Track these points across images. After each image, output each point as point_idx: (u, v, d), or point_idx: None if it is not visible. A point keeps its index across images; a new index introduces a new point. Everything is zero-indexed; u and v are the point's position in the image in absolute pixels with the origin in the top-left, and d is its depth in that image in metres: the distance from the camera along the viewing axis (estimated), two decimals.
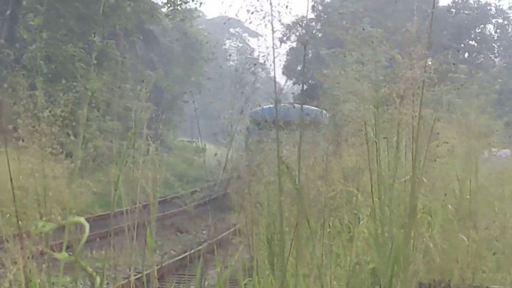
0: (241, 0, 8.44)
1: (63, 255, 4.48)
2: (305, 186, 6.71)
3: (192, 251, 14.90)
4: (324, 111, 25.27)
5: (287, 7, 7.97)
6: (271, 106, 29.01)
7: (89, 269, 4.38)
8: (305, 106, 30.10)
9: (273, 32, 7.94)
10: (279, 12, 7.84)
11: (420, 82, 6.31)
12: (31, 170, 6.01)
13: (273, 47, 8.54)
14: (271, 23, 7.86)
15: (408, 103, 6.22)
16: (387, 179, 6.12)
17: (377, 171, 6.24)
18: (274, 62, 8.48)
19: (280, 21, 8.03)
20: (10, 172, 5.03)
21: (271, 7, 7.67)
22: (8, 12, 46.04)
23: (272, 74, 30.47)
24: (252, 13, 8.06)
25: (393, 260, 5.91)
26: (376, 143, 6.38)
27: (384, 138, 6.32)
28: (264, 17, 7.99)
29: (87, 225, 4.28)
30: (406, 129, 6.17)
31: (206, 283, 8.40)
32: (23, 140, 6.12)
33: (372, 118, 6.62)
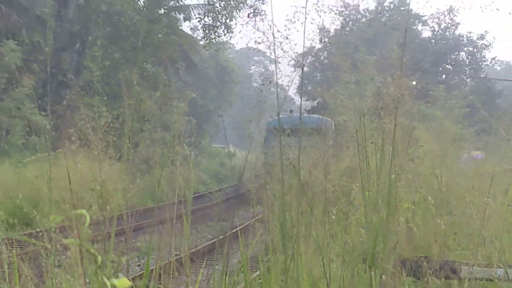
0: (258, 34, 8.39)
1: (70, 240, 4.48)
2: (309, 181, 6.70)
3: (221, 236, 14.92)
4: (329, 119, 25.15)
5: (287, 38, 7.98)
6: (283, 116, 29.10)
7: (92, 250, 4.35)
8: (312, 115, 28.31)
9: (276, 58, 8.02)
10: (280, 42, 7.85)
11: (399, 97, 6.28)
12: (90, 170, 6.00)
13: (275, 69, 8.66)
14: (274, 50, 7.89)
15: (391, 114, 6.19)
16: (374, 175, 6.11)
17: (366, 169, 6.23)
18: (276, 81, 8.56)
19: (282, 49, 8.04)
20: (68, 173, 5.02)
21: (274, 39, 7.69)
22: (77, 46, 46.23)
23: (288, 93, 30.54)
24: (259, 43, 8.11)
25: (375, 239, 5.87)
26: (365, 147, 6.37)
27: (372, 142, 6.32)
28: (269, 46, 8.01)
29: (87, 216, 4.27)
30: (389, 135, 6.16)
31: (232, 261, 8.42)
32: (87, 147, 6.14)
33: (362, 126, 6.61)
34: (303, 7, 8.18)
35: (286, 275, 5.68)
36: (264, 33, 8.23)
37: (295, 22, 8.22)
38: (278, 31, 8.06)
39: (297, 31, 8.14)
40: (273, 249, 7.13)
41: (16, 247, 5.95)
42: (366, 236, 5.97)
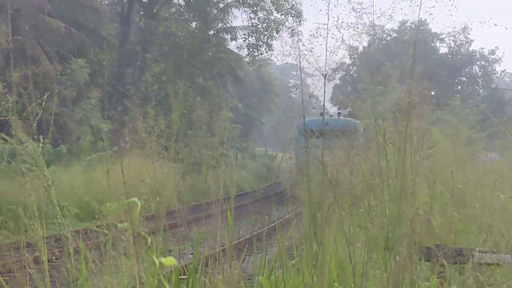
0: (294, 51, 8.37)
1: (123, 224, 4.52)
2: (336, 178, 6.68)
3: (259, 230, 14.94)
4: (358, 122, 24.34)
5: (311, 51, 7.94)
6: (314, 118, 27.88)
7: (142, 233, 4.39)
8: (342, 118, 27.15)
9: (301, 69, 7.97)
10: (305, 54, 7.80)
11: (414, 104, 6.23)
12: (145, 168, 6.04)
13: (301, 80, 8.62)
14: (299, 62, 7.86)
15: (405, 118, 6.15)
16: (393, 172, 6.07)
17: (386, 166, 6.20)
18: (302, 89, 8.54)
19: (308, 61, 8.00)
20: (122, 167, 5.05)
21: (299, 51, 7.65)
22: (138, 63, 46.49)
23: (321, 103, 30.30)
24: (286, 56, 8.09)
25: (389, 226, 5.86)
26: (385, 147, 6.33)
27: (390, 143, 6.27)
28: (296, 59, 7.98)
29: (138, 203, 4.32)
30: (405, 137, 6.11)
31: (273, 249, 8.42)
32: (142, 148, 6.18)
33: (381, 129, 6.58)
34: (324, 23, 8.13)
35: (316, 259, 5.67)
36: (296, 49, 8.21)
37: (324, 39, 8.14)
38: (311, 50, 8.01)
39: (329, 49, 8.05)
40: (305, 239, 7.12)
41: (82, 237, 5.98)
42: (385, 224, 5.95)
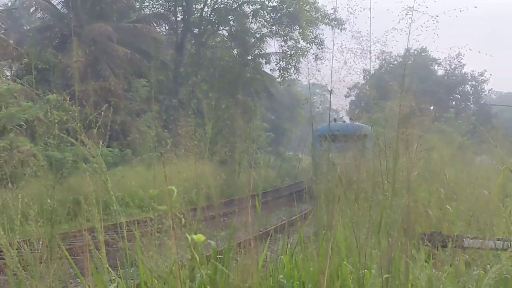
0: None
1: (162, 207, 4.52)
2: (344, 174, 6.62)
3: (282, 222, 14.91)
4: (368, 127, 23.72)
5: (318, 71, 7.92)
6: (327, 124, 27.28)
7: (178, 214, 4.38)
8: (355, 123, 26.78)
9: (310, 84, 7.97)
10: (323, 73, 7.77)
11: (409, 114, 6.14)
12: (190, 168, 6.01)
13: (309, 93, 8.53)
14: (308, 79, 7.85)
15: (400, 126, 6.07)
16: (392, 171, 6.00)
17: (386, 166, 6.11)
18: (310, 102, 8.47)
19: (321, 79, 7.96)
20: (165, 174, 5.02)
21: (308, 70, 7.62)
22: (189, 82, 46.69)
23: (341, 116, 30.44)
24: (308, 76, 8.07)
25: (381, 213, 5.79)
26: (385, 150, 6.24)
27: (389, 147, 6.17)
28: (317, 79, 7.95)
29: (175, 190, 4.32)
30: (403, 142, 6.04)
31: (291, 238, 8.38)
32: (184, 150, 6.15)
33: (382, 135, 6.51)
34: (329, 48, 8.07)
35: (328, 242, 5.60)
36: (316, 70, 8.18)
37: (329, 61, 8.07)
38: (318, 70, 7.95)
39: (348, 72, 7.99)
40: (320, 226, 7.06)
41: (135, 223, 5.98)
42: (380, 212, 5.89)
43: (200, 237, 4.93)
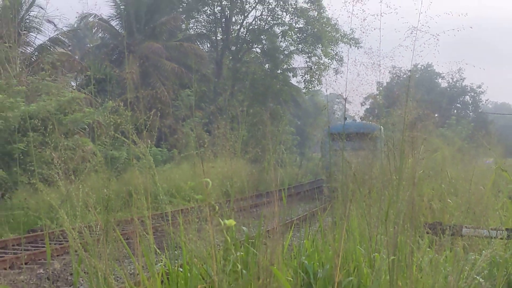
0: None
1: (199, 196, 4.53)
2: (358, 172, 6.59)
3: (305, 213, 14.85)
4: (379, 126, 22.38)
5: (335, 82, 7.88)
6: (338, 123, 25.80)
7: (212, 202, 4.40)
8: (363, 122, 24.86)
9: (327, 93, 7.89)
10: (339, 83, 7.73)
11: (415, 119, 6.09)
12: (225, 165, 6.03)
13: (326, 102, 8.43)
14: (326, 89, 7.76)
15: (406, 129, 6.03)
16: (399, 169, 5.95)
17: (395, 165, 6.06)
18: (327, 107, 8.42)
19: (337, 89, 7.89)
20: (203, 169, 5.05)
21: (326, 81, 7.59)
22: (228, 93, 46.79)
23: (352, 114, 30.24)
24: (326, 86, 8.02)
25: (388, 204, 5.74)
26: (393, 150, 6.19)
27: (396, 148, 6.13)
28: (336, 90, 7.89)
29: (210, 182, 4.34)
30: (409, 143, 5.99)
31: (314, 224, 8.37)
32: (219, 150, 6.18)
33: (391, 138, 6.46)
34: (345, 62, 8.02)
35: (342, 229, 5.59)
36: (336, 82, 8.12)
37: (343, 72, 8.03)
38: (335, 81, 7.90)
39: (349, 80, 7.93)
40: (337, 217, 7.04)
41: (180, 215, 6.00)
42: (388, 204, 5.85)
43: (231, 222, 4.95)
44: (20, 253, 13.89)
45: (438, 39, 7.84)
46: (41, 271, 13.20)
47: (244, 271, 5.49)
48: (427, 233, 7.42)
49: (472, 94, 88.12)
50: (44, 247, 15.20)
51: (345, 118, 23.18)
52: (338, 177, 6.93)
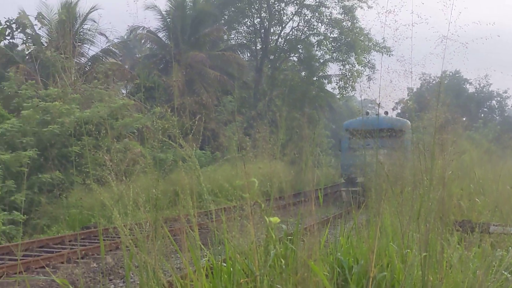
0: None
1: (245, 194, 4.53)
2: (391, 173, 6.53)
3: (340, 211, 14.75)
4: (406, 121, 20.17)
5: (368, 87, 7.79)
6: (358, 118, 23.22)
7: (258, 200, 4.40)
8: (388, 116, 21.97)
9: (361, 98, 7.84)
10: (373, 90, 7.68)
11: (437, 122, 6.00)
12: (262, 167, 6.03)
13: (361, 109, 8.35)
14: (360, 96, 7.69)
15: (437, 132, 5.95)
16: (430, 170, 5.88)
17: (425, 166, 5.99)
18: (362, 112, 8.32)
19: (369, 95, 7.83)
20: (245, 169, 5.06)
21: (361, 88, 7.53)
22: (266, 98, 46.79)
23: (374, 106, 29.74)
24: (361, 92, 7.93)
25: (420, 203, 5.67)
26: (424, 152, 6.11)
27: (427, 150, 6.05)
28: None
29: (256, 181, 4.33)
30: (439, 146, 5.92)
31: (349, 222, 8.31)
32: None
33: (422, 140, 6.39)
34: (378, 69, 7.95)
35: (376, 227, 5.55)
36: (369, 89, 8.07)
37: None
38: (369, 87, 7.84)
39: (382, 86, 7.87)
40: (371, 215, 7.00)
41: (223, 213, 6.02)
42: (419, 202, 5.78)
43: (275, 219, 4.96)
44: (76, 248, 14.05)
45: (467, 47, 7.74)
46: (95, 265, 13.35)
47: (283, 266, 5.48)
48: (457, 230, 7.35)
49: (498, 99, 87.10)
50: (97, 243, 15.37)
51: (367, 113, 20.81)
52: (372, 177, 6.87)
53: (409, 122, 15.26)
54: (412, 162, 6.68)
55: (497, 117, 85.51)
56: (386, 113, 24.21)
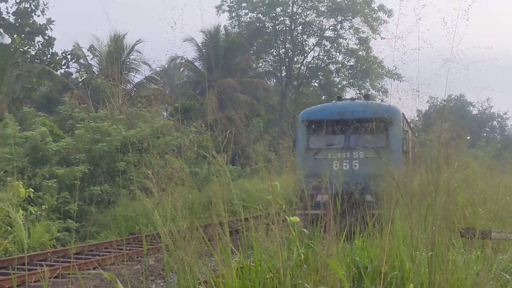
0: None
1: (269, 197, 4.54)
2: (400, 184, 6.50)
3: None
4: (396, 108, 12.90)
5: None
6: (324, 104, 15.95)
7: (279, 201, 4.41)
8: (367, 101, 14.94)
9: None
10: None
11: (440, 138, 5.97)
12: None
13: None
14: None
15: (441, 147, 5.92)
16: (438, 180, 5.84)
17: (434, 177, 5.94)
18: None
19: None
20: (270, 178, 5.06)
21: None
22: (290, 120, 46.86)
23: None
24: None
25: (427, 209, 5.63)
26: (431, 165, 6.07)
27: (434, 163, 6.00)
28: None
29: (278, 185, 4.34)
30: (445, 160, 5.88)
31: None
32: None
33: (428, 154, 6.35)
34: (390, 94, 7.90)
35: (388, 230, 5.53)
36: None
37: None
38: None
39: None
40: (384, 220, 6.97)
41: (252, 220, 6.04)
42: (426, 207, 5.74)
43: (295, 219, 4.96)
44: (122, 251, 14.16)
45: (468, 68, 7.73)
46: (138, 266, 13.42)
47: (305, 265, 5.48)
48: (461, 236, 7.29)
49: (499, 119, 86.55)
50: (141, 247, 15.44)
51: (339, 98, 15.79)
52: (384, 187, 6.82)
53: (400, 111, 11.90)
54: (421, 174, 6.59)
55: (498, 136, 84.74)
56: (367, 97, 17.40)
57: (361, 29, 50.63)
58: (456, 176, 6.36)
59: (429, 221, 5.54)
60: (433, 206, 5.51)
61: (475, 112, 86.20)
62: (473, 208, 10.77)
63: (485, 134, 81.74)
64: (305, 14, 51.52)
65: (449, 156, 6.01)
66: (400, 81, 42.82)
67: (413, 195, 6.37)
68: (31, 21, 34.11)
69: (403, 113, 10.52)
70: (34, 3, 34.52)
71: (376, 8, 50.00)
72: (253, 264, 5.97)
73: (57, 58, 34.72)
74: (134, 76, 37.78)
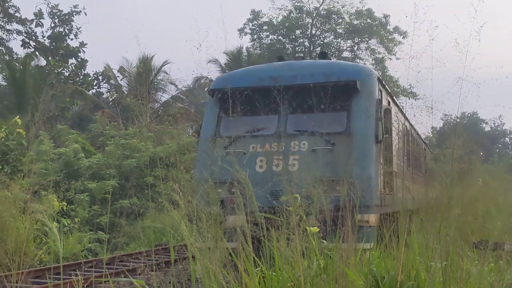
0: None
1: (291, 208, 4.53)
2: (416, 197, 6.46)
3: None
4: (369, 69, 9.04)
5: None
6: (254, 66, 9.75)
7: (300, 212, 4.41)
8: (326, 61, 9.56)
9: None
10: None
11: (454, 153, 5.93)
12: None
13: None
14: None
15: (455, 162, 5.87)
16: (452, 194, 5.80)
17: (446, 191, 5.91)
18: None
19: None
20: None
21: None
22: None
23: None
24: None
25: (440, 220, 5.59)
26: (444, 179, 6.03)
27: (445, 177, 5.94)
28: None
29: (298, 197, 4.33)
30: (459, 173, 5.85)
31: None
32: None
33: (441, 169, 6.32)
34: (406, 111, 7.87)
35: (403, 241, 5.51)
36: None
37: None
38: None
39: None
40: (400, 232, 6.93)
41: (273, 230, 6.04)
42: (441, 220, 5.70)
43: (315, 229, 4.95)
44: (150, 261, 14.22)
45: (479, 86, 7.69)
46: (166, 275, 13.45)
47: (324, 274, 5.46)
48: (475, 248, 7.23)
49: (511, 136, 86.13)
50: (168, 257, 15.48)
51: (281, 57, 9.05)
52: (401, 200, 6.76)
53: (375, 73, 8.23)
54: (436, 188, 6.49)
55: (510, 152, 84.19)
56: (324, 55, 10.17)
57: (377, 50, 50.52)
58: (470, 189, 6.31)
59: (443, 233, 5.50)
60: (447, 219, 5.47)
61: (487, 129, 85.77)
62: (490, 220, 10.71)
63: (497, 150, 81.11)
64: (324, 36, 51.56)
65: (462, 170, 5.97)
66: (415, 99, 42.52)
67: (429, 208, 6.32)
68: (65, 44, 34.94)
69: (379, 77, 8.12)
70: (68, 28, 35.36)
71: (391, 29, 49.86)
72: (274, 274, 5.96)
73: (89, 79, 35.31)
74: (161, 95, 38.23)
